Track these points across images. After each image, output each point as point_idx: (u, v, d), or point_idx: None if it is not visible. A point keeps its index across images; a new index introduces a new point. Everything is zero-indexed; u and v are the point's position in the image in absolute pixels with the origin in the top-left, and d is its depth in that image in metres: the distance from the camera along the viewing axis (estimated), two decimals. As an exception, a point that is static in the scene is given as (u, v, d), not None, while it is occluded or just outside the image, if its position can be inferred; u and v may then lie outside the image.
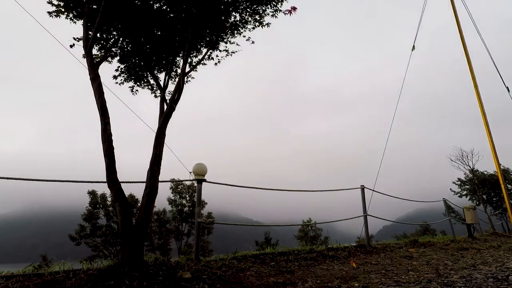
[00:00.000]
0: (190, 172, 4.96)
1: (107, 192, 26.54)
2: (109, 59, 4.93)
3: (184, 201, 29.68)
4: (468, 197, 26.63)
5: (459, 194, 27.24)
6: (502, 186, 10.63)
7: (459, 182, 27.42)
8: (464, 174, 26.79)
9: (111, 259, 4.13)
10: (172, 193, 29.77)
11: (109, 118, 3.83)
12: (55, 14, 4.37)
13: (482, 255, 5.80)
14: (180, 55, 5.10)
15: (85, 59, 4.13)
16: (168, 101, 4.51)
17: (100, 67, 4.25)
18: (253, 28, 4.95)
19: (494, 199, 25.95)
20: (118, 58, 4.97)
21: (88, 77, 4.00)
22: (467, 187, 26.89)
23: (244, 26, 4.95)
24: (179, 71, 5.07)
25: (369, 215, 7.13)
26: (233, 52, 5.18)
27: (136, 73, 5.14)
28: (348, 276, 3.86)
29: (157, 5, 4.52)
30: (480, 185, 25.35)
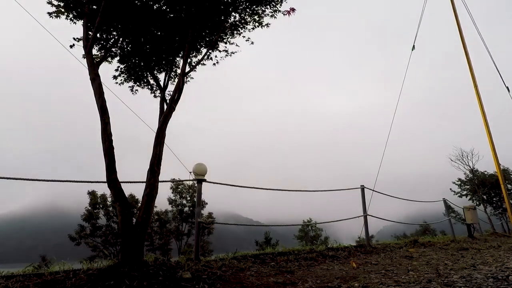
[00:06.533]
0: (190, 172, 4.96)
1: (108, 192, 26.55)
2: (109, 59, 4.93)
3: (184, 201, 29.66)
4: (468, 197, 26.64)
5: (459, 194, 27.25)
6: (502, 186, 10.64)
7: (459, 182, 27.45)
8: (464, 174, 26.82)
9: (111, 259, 4.13)
10: (172, 193, 29.76)
11: (109, 118, 3.83)
12: (55, 14, 4.38)
13: (482, 255, 5.80)
14: (180, 55, 5.11)
15: (85, 59, 4.14)
16: (168, 101, 4.51)
17: (100, 67, 4.26)
18: (253, 28, 4.96)
19: (494, 199, 25.95)
20: (118, 58, 4.97)
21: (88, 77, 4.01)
22: (467, 187, 26.89)
23: (243, 27, 4.96)
24: (179, 71, 5.08)
25: (369, 215, 7.13)
26: (233, 53, 5.20)
27: (136, 73, 5.14)
28: (348, 276, 3.86)
29: (157, 5, 4.52)
30: (480, 185, 25.36)
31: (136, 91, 5.35)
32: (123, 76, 5.17)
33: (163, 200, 28.94)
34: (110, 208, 26.86)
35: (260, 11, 4.79)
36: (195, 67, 5.04)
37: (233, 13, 4.79)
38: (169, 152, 5.01)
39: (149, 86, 5.32)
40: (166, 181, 5.24)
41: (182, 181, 28.14)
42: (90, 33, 4.18)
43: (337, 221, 7.60)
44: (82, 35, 4.27)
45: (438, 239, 9.74)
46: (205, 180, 4.92)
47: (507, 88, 11.71)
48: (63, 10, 4.40)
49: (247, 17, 4.85)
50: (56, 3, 4.33)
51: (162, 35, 4.78)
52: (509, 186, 23.55)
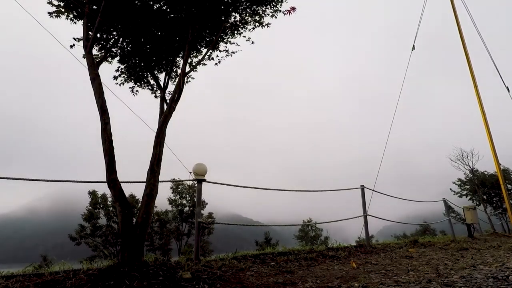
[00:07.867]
0: (190, 172, 4.96)
1: (108, 192, 26.54)
2: (109, 59, 4.93)
3: (184, 201, 29.67)
4: (468, 197, 26.67)
5: (459, 194, 27.29)
6: (502, 186, 10.64)
7: (459, 182, 27.47)
8: (464, 174, 26.85)
9: (111, 259, 4.13)
10: (172, 193, 29.76)
11: (109, 118, 3.83)
12: (55, 14, 4.38)
13: (482, 255, 5.80)
14: (180, 55, 5.11)
15: (85, 59, 4.14)
16: (168, 101, 4.51)
17: (100, 67, 4.26)
18: (253, 28, 4.96)
19: (494, 199, 25.99)
20: (118, 58, 4.97)
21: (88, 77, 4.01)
22: (467, 187, 26.92)
23: (244, 26, 4.96)
24: (179, 71, 5.08)
25: (369, 215, 7.12)
26: (233, 52, 5.19)
27: (136, 73, 5.14)
28: (348, 276, 3.86)
29: (157, 5, 4.52)
30: (480, 185, 25.38)
31: (137, 92, 5.35)
32: (124, 77, 5.17)
33: (163, 200, 28.93)
34: (111, 208, 26.87)
35: (260, 11, 4.79)
36: (196, 67, 5.04)
37: (233, 13, 4.79)
38: (169, 152, 5.01)
39: (150, 86, 5.32)
40: (166, 181, 5.24)
41: (182, 181, 28.15)
42: (90, 33, 4.18)
43: (337, 221, 7.60)
44: (82, 35, 4.28)
45: (438, 239, 9.74)
46: (205, 180, 4.92)
47: (507, 88, 11.71)
48: (63, 10, 4.40)
49: (247, 17, 4.86)
50: (56, 3, 4.33)
51: (162, 35, 4.78)
52: (509, 186, 23.58)
